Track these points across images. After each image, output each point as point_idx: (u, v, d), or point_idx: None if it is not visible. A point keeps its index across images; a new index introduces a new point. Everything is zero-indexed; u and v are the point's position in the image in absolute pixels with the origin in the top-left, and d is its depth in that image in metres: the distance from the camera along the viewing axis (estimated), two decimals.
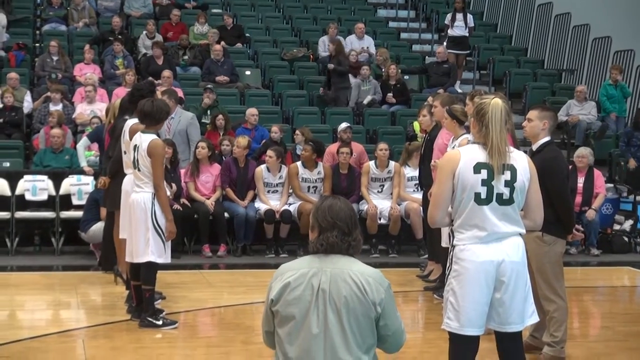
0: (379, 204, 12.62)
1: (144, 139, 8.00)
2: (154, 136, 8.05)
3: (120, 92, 12.75)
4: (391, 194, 12.77)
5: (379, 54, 17.51)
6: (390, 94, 16.38)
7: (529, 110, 7.30)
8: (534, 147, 7.06)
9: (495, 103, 5.11)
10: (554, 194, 6.59)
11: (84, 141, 12.60)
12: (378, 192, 12.78)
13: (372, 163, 12.84)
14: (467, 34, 18.61)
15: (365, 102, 16.27)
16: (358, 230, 4.31)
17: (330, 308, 4.15)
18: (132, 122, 8.63)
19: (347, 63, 16.73)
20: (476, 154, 5.08)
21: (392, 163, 12.79)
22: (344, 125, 13.52)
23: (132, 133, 8.37)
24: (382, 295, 4.19)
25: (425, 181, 10.15)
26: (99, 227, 11.15)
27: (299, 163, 12.82)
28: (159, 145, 8.02)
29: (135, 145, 8.08)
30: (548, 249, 6.91)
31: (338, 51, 16.74)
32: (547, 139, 7.02)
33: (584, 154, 13.35)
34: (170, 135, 12.79)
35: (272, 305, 4.24)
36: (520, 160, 5.15)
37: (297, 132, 13.85)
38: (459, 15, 18.66)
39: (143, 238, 8.02)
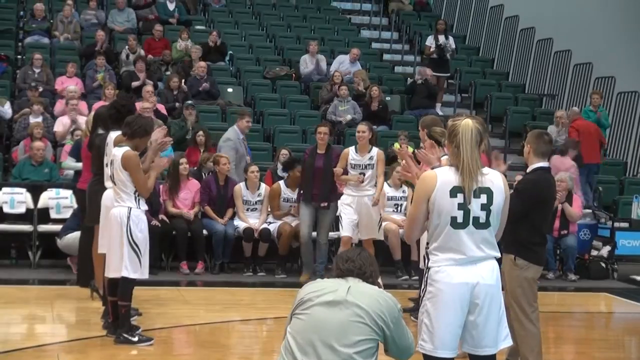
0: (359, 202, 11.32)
1: (118, 153, 7.99)
2: (126, 148, 8.00)
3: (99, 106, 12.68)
4: (374, 184, 11.38)
5: (355, 76, 17.51)
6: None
7: None
8: (527, 170, 7.22)
9: (466, 124, 5.10)
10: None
11: (68, 161, 12.46)
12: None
13: (352, 148, 11.51)
14: (448, 57, 18.70)
15: (344, 122, 16.26)
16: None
17: (346, 308, 4.70)
18: (115, 134, 8.58)
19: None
20: (451, 177, 5.07)
21: (374, 149, 11.41)
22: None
23: (115, 145, 8.34)
24: (394, 314, 4.77)
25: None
26: (73, 237, 11.09)
27: (281, 182, 12.77)
28: (131, 155, 7.97)
29: (112, 160, 8.08)
30: (519, 273, 6.91)
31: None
32: (539, 164, 7.09)
33: (562, 178, 13.39)
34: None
35: (300, 302, 4.77)
36: (496, 180, 5.14)
37: (285, 151, 13.70)
38: (441, 37, 18.75)
39: (119, 253, 8.01)
